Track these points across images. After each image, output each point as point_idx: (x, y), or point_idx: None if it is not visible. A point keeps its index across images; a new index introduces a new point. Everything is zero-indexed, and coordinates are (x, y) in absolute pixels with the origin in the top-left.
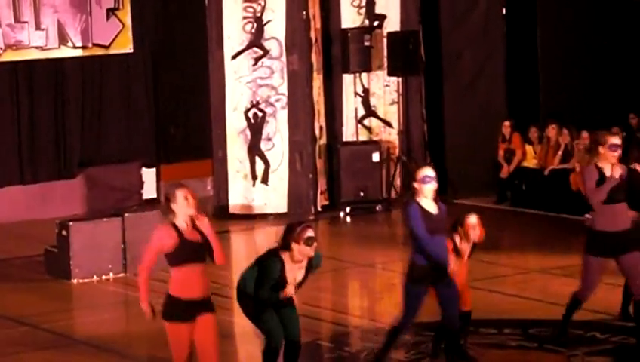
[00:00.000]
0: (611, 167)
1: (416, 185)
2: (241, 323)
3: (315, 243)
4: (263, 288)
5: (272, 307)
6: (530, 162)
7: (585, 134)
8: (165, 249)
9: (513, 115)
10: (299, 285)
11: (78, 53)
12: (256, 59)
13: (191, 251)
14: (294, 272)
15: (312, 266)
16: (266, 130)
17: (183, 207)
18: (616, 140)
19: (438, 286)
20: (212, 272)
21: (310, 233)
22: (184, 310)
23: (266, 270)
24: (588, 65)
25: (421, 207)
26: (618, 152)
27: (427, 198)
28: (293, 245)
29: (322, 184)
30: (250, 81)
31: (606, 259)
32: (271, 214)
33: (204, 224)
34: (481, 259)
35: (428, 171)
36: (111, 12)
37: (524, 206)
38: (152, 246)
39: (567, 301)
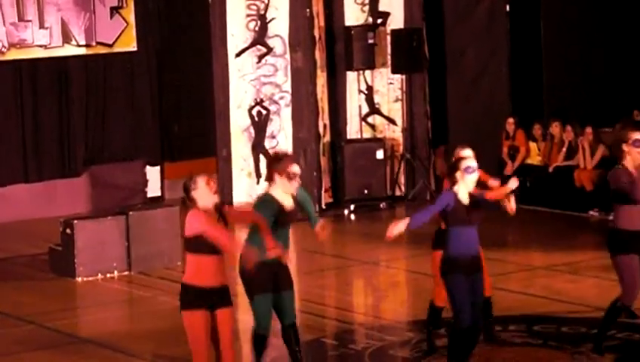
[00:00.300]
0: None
1: (457, 174)
2: (245, 320)
3: (298, 180)
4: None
5: (271, 287)
6: (535, 159)
7: (589, 130)
8: (192, 232)
9: (517, 111)
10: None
11: (82, 51)
12: (260, 57)
13: (209, 242)
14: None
15: (298, 202)
16: (270, 128)
17: (206, 194)
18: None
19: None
20: None
21: (295, 168)
22: (198, 297)
23: (262, 206)
24: (592, 61)
25: (456, 198)
26: None
27: (466, 188)
28: (276, 177)
29: (326, 181)
30: (254, 79)
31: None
32: None
33: (231, 212)
34: (485, 256)
35: (471, 162)
36: (115, 10)
37: (529, 203)
38: (208, 226)
39: (609, 307)
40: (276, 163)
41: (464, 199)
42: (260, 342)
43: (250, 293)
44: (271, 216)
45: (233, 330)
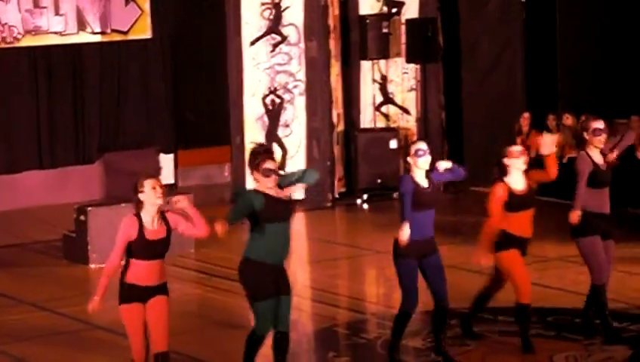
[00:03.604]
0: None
1: (409, 159)
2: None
3: (273, 176)
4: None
5: (274, 292)
6: None
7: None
8: (129, 239)
9: (531, 102)
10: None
11: (97, 38)
12: (275, 46)
13: (150, 249)
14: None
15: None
16: (284, 117)
17: (151, 198)
18: (599, 125)
19: (423, 263)
20: (224, 257)
21: (269, 164)
22: (140, 294)
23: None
24: (607, 52)
25: (414, 181)
26: (603, 136)
27: (421, 172)
28: (254, 173)
29: (339, 171)
30: (269, 68)
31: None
32: None
33: (174, 215)
34: None
35: (421, 145)
36: None
37: (542, 194)
38: (120, 240)
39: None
40: (252, 160)
41: (422, 183)
42: (256, 343)
43: (253, 298)
44: (248, 208)
45: (167, 315)
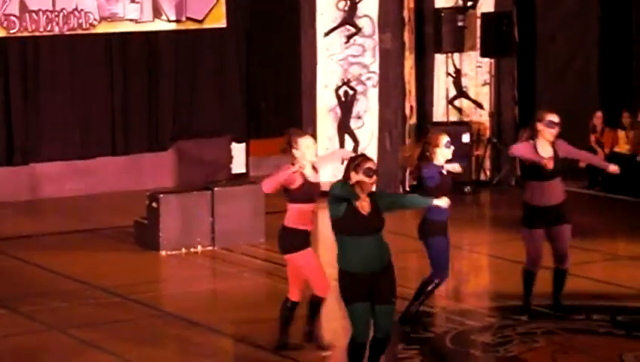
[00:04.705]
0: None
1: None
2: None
3: (374, 177)
4: (335, 214)
5: (368, 299)
6: (623, 147)
7: None
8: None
9: (606, 98)
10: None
11: (172, 26)
12: (349, 37)
13: (310, 192)
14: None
15: (378, 207)
16: (357, 108)
17: (307, 153)
18: (554, 118)
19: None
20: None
21: (370, 164)
22: (304, 239)
23: (332, 192)
24: None
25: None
26: (555, 130)
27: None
28: (352, 175)
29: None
30: (342, 59)
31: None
32: None
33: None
34: (570, 244)
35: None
36: None
37: (615, 191)
38: (280, 178)
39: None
40: (350, 163)
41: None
42: (356, 351)
43: (344, 301)
44: (339, 200)
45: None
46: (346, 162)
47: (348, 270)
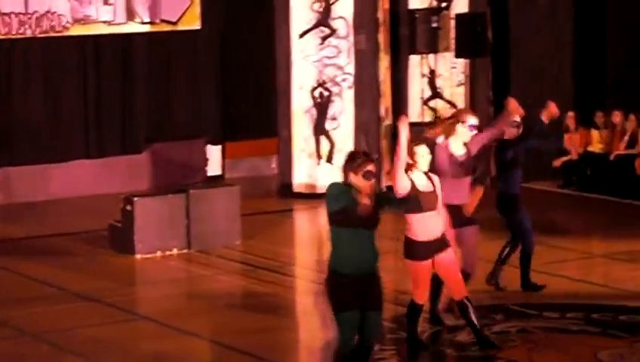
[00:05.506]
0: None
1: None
2: (303, 302)
3: (373, 179)
4: (332, 208)
5: (358, 307)
6: (596, 147)
7: None
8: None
9: (580, 98)
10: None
11: (146, 28)
12: (324, 39)
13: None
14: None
15: (381, 205)
16: (332, 110)
17: (421, 163)
18: (475, 122)
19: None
20: (270, 249)
21: (370, 167)
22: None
23: (330, 192)
24: None
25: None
26: (473, 133)
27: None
28: (351, 175)
29: (387, 164)
30: (317, 60)
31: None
32: None
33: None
34: (545, 243)
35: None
36: None
37: (590, 190)
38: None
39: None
40: (349, 161)
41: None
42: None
43: (332, 310)
44: (340, 204)
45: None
46: (345, 158)
47: (339, 271)
